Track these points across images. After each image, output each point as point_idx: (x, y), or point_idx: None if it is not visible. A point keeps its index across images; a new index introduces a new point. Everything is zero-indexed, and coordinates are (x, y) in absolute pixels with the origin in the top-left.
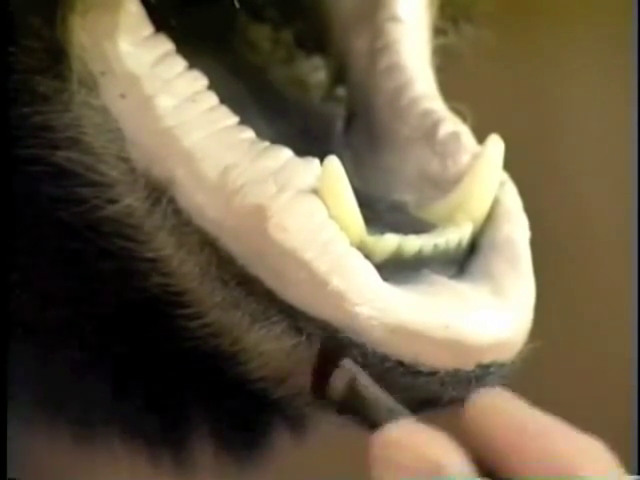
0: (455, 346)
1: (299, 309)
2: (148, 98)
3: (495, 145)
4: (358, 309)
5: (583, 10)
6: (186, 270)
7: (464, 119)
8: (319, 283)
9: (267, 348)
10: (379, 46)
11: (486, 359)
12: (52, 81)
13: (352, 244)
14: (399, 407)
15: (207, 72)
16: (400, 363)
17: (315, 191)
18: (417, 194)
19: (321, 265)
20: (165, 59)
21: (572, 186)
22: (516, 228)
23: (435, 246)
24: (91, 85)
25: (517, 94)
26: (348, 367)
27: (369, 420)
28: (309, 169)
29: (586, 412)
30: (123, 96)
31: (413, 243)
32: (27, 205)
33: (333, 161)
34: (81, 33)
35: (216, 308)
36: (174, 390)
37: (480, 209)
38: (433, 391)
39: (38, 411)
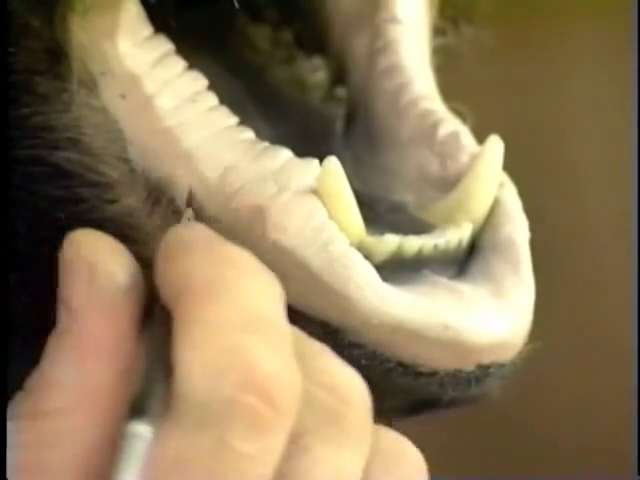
0: (455, 346)
1: (298, 309)
2: (148, 98)
3: (495, 145)
4: (358, 309)
5: (583, 10)
6: None
7: (464, 119)
8: (319, 283)
9: None
10: (379, 46)
11: (486, 360)
12: (52, 81)
13: (352, 244)
14: None
15: (207, 72)
16: (400, 364)
17: (315, 191)
18: (417, 194)
19: (321, 265)
20: (165, 59)
21: (572, 186)
22: (516, 229)
23: (435, 247)
24: (91, 85)
25: (517, 94)
26: None
27: None
28: (309, 169)
29: (586, 412)
30: (123, 96)
31: (413, 243)
32: (27, 205)
33: (333, 161)
34: (81, 33)
35: None
36: None
37: (480, 210)
38: (433, 392)
39: None
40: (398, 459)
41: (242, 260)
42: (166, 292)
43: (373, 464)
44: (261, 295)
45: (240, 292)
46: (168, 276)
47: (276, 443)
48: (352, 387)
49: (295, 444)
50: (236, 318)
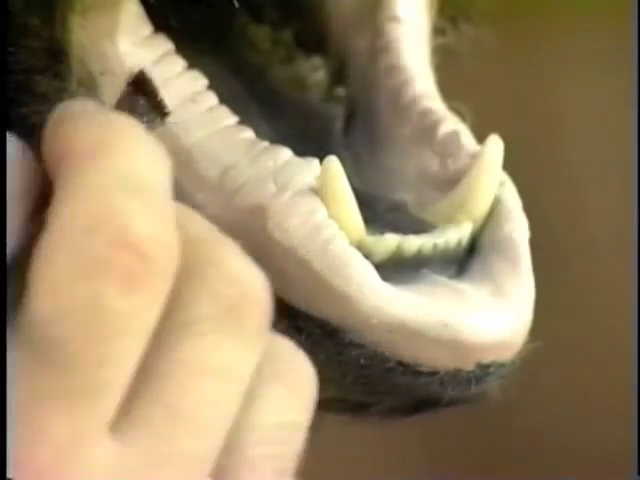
0: (455, 346)
1: (298, 309)
2: None
3: (495, 145)
4: (357, 309)
5: (583, 10)
6: None
7: (463, 119)
8: (318, 283)
9: None
10: (378, 46)
11: (486, 359)
12: (51, 81)
13: (352, 244)
14: None
15: (206, 72)
16: (400, 363)
17: (315, 191)
18: (417, 194)
19: (321, 264)
20: (165, 59)
21: (572, 186)
22: (516, 228)
23: (435, 246)
24: (91, 85)
25: (517, 94)
26: None
27: None
28: (309, 169)
29: (586, 412)
30: None
31: (413, 243)
32: None
33: (333, 161)
34: (80, 33)
35: None
36: None
37: (480, 209)
38: (433, 391)
39: None
40: (292, 368)
41: (128, 128)
42: (50, 160)
43: (266, 368)
44: (145, 162)
45: (123, 156)
46: (52, 144)
47: (151, 302)
48: (255, 284)
49: (189, 329)
50: (115, 180)
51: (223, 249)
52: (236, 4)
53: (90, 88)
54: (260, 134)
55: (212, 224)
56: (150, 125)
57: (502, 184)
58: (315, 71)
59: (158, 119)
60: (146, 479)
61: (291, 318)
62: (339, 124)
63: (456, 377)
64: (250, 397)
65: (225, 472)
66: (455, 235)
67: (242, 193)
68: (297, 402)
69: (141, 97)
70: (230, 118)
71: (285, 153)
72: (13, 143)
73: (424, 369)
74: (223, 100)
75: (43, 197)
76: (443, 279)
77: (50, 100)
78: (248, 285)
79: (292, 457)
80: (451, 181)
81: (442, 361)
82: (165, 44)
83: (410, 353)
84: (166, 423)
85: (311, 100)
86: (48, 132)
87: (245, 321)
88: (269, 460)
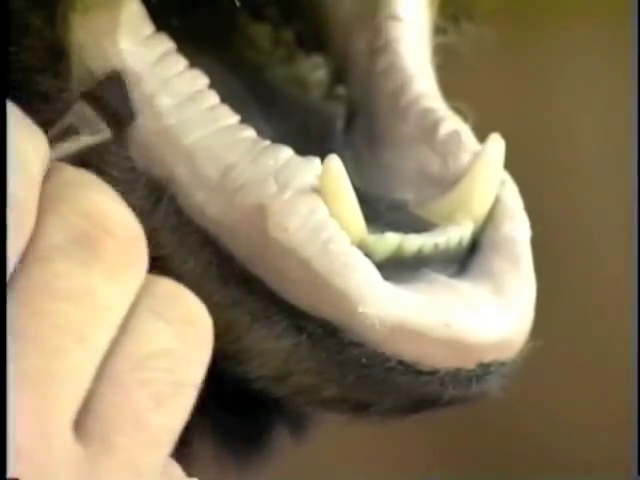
0: (455, 345)
1: (299, 308)
2: (149, 97)
3: (496, 144)
4: (358, 308)
5: (584, 9)
6: (187, 269)
7: (464, 118)
8: (319, 282)
9: (267, 347)
10: (379, 45)
11: (487, 358)
12: (52, 80)
13: (352, 243)
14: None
15: (208, 71)
16: (400, 362)
17: (316, 190)
18: (417, 193)
19: (321, 264)
20: (166, 58)
21: (573, 185)
22: (517, 227)
23: (436, 245)
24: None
25: (517, 93)
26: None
27: None
28: (310, 168)
29: (586, 412)
30: None
31: (413, 242)
32: None
33: (334, 160)
34: (81, 32)
35: (216, 307)
36: None
37: (481, 208)
38: (433, 390)
39: None
40: (172, 303)
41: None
42: None
43: (141, 303)
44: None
45: None
46: None
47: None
48: (114, 219)
49: (38, 257)
50: None
51: (89, 191)
52: (237, 3)
53: None
54: (261, 133)
55: (213, 224)
56: (96, 134)
57: (503, 183)
58: (315, 70)
59: (108, 131)
60: None
61: (292, 318)
62: (340, 123)
63: (457, 376)
64: (124, 330)
65: (95, 398)
66: (456, 234)
67: (243, 192)
68: (176, 334)
69: (93, 108)
70: (231, 117)
71: (286, 152)
72: None
73: (425, 368)
74: (224, 99)
75: None
76: (444, 278)
77: (50, 99)
78: (104, 220)
79: (170, 384)
80: (452, 180)
81: (443, 360)
82: (166, 43)
83: (411, 352)
84: (11, 345)
85: (311, 99)
86: None
87: (100, 252)
88: (143, 385)
